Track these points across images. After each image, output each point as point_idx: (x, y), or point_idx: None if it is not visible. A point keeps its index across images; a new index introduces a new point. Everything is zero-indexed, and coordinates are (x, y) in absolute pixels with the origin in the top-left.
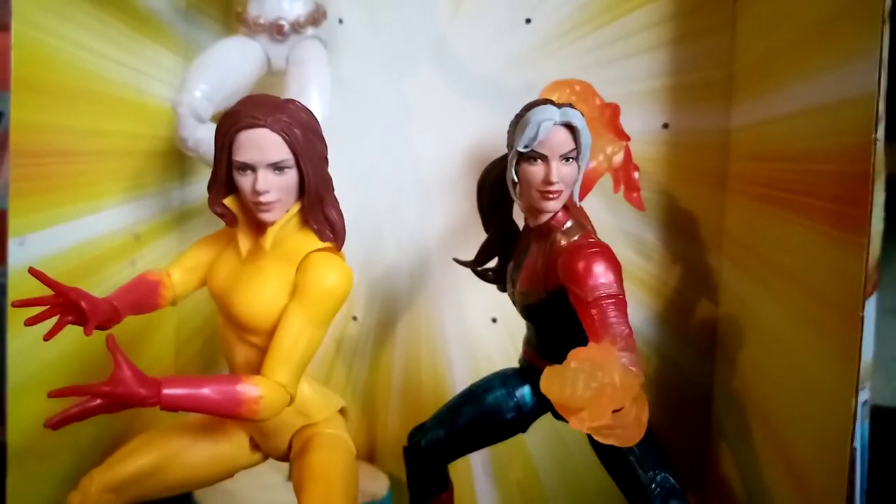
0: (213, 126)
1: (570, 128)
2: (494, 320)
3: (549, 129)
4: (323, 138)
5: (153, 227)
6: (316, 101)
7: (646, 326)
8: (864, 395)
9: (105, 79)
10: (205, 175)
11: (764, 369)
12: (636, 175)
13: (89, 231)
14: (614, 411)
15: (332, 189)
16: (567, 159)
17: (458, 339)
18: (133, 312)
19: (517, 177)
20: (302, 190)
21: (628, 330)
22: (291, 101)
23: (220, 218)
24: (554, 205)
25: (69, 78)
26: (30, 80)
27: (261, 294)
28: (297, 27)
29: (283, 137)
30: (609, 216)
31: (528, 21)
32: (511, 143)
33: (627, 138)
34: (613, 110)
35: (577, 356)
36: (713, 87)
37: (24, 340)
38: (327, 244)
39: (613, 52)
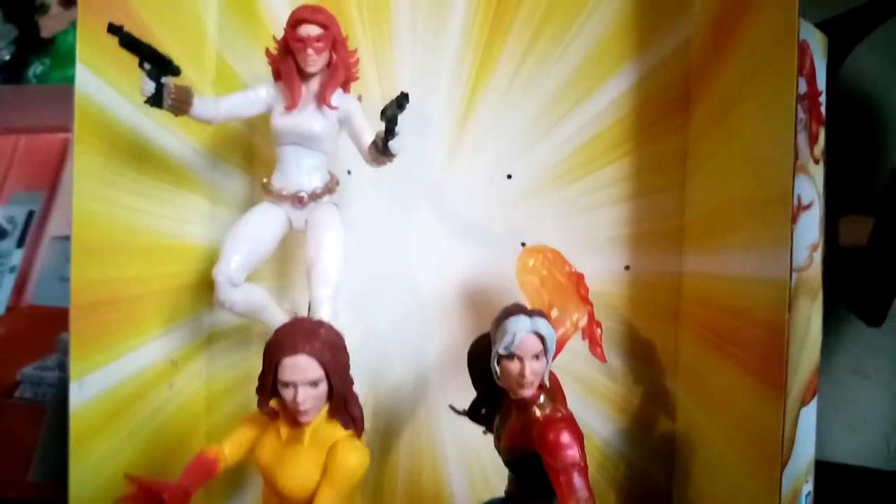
0: (246, 288)
1: (539, 335)
2: (485, 431)
3: (522, 337)
4: (346, 350)
5: (187, 352)
6: (332, 257)
7: (613, 438)
8: (807, 488)
9: (146, 231)
10: None
11: (708, 479)
12: (599, 332)
13: (135, 365)
14: None
15: (353, 387)
16: (537, 357)
17: (454, 446)
18: (199, 486)
19: (499, 369)
20: (330, 394)
21: (587, 493)
22: (321, 324)
23: (265, 415)
24: (528, 391)
25: (117, 235)
26: (86, 244)
27: (300, 473)
28: (314, 196)
29: (318, 360)
30: (583, 345)
31: (509, 176)
32: (493, 342)
33: (590, 304)
34: (578, 278)
35: None
36: (667, 235)
37: (88, 464)
38: (350, 431)
39: (582, 205)
